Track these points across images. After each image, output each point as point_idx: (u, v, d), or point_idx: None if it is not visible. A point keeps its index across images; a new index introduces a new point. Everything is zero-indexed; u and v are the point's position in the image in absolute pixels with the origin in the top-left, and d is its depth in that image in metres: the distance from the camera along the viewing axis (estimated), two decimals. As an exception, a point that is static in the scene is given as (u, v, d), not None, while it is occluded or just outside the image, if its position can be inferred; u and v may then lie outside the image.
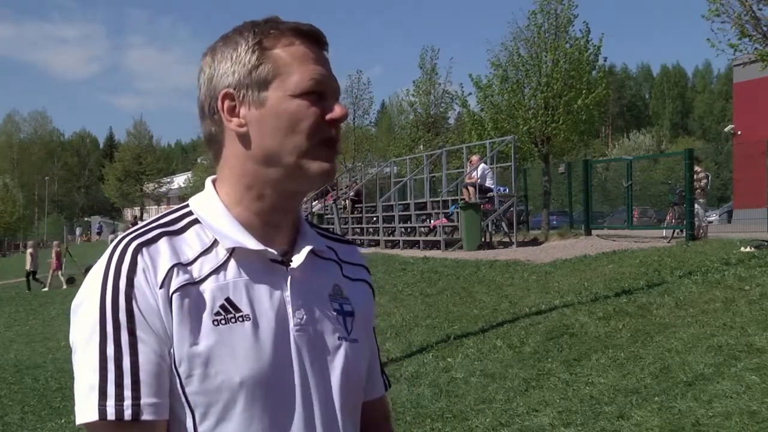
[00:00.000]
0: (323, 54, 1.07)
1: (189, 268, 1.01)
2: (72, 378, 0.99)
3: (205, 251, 1.03)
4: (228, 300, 1.01)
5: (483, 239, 14.45)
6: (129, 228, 1.31)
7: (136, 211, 56.72)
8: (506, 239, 15.16)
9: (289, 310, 1.04)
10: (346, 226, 19.70)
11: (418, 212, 17.45)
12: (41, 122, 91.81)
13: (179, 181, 63.23)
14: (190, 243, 1.03)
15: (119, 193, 56.96)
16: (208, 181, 1.11)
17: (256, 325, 1.01)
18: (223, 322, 0.99)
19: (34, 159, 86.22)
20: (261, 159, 1.04)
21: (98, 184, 73.13)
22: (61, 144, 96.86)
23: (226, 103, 1.04)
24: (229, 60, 1.04)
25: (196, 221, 1.06)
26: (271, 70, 1.03)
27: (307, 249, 1.08)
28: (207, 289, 1.00)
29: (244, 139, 1.04)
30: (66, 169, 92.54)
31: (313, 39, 1.06)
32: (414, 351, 7.38)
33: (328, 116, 1.04)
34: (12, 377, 9.16)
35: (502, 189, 15.87)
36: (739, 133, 27.08)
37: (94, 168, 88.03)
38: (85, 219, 76.42)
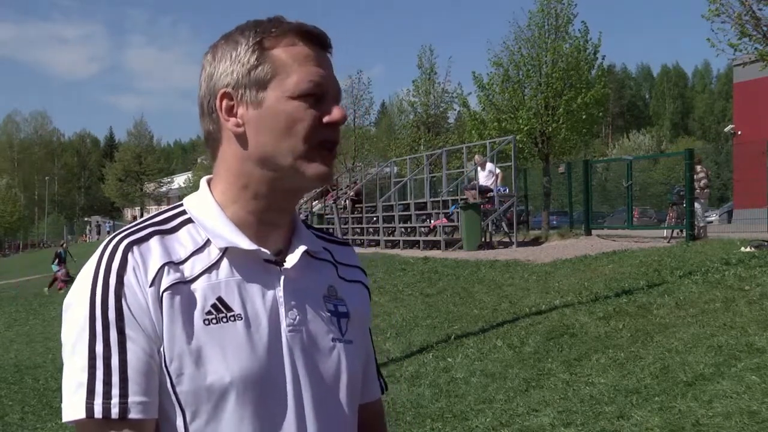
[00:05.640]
0: (325, 56, 1.06)
1: (180, 266, 1.00)
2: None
3: (198, 250, 1.02)
4: (220, 299, 1.00)
5: (483, 239, 14.46)
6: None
7: (136, 211, 56.72)
8: (506, 239, 15.16)
9: (282, 310, 1.03)
10: (346, 226, 19.69)
11: (418, 212, 17.45)
12: (41, 122, 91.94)
13: (179, 181, 63.26)
14: (183, 242, 1.03)
15: (119, 193, 56.98)
16: (203, 181, 1.11)
17: (248, 325, 1.00)
18: (214, 321, 0.99)
19: (34, 159, 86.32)
20: (257, 159, 1.03)
21: (98, 184, 73.13)
22: (61, 144, 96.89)
23: (224, 102, 1.03)
24: (228, 59, 1.03)
25: (189, 221, 1.06)
26: (270, 71, 1.01)
27: (301, 249, 1.07)
28: (198, 288, 1.00)
29: (241, 139, 1.03)
30: (66, 169, 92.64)
31: (316, 40, 1.04)
32: (414, 351, 7.38)
33: (326, 119, 1.02)
34: (12, 377, 9.16)
35: (502, 189, 15.89)
36: (739, 133, 27.06)
37: (94, 168, 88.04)
38: (85, 219, 76.39)
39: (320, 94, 1.03)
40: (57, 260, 22.05)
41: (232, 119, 1.03)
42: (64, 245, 25.51)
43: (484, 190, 15.02)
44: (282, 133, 1.01)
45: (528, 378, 5.92)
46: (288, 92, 1.01)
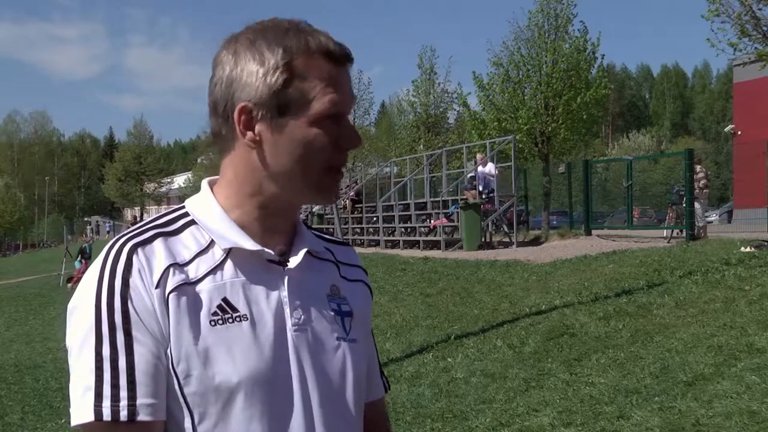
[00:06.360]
0: (347, 72, 1.06)
1: (185, 268, 1.01)
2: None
3: (202, 252, 1.03)
4: (225, 300, 1.00)
5: (483, 239, 14.46)
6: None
7: (136, 211, 56.69)
8: (506, 239, 15.16)
9: (287, 310, 1.04)
10: (346, 226, 19.69)
11: (418, 212, 17.46)
12: (41, 122, 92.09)
13: (179, 181, 63.19)
14: (186, 244, 1.03)
15: (119, 193, 56.91)
16: (205, 183, 1.11)
17: (253, 325, 1.00)
18: (220, 322, 0.99)
19: (34, 159, 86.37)
20: (269, 175, 1.03)
21: (98, 184, 73.07)
22: (61, 144, 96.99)
23: (243, 116, 1.02)
24: (254, 74, 1.01)
25: (192, 222, 1.06)
26: (295, 95, 1.00)
27: (304, 250, 1.08)
28: (204, 289, 1.00)
29: (256, 153, 1.03)
30: (66, 169, 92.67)
31: (341, 59, 1.04)
32: (414, 351, 7.38)
33: (345, 145, 1.04)
34: (12, 377, 9.16)
35: (486, 171, 15.67)
36: (739, 133, 27.09)
37: (94, 168, 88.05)
38: (85, 219, 76.35)
39: (339, 115, 1.03)
40: (80, 255, 21.89)
41: (249, 133, 1.02)
42: (90, 241, 25.26)
43: (485, 185, 15.08)
44: (299, 158, 1.02)
45: (528, 378, 5.92)
46: (310, 118, 1.01)
